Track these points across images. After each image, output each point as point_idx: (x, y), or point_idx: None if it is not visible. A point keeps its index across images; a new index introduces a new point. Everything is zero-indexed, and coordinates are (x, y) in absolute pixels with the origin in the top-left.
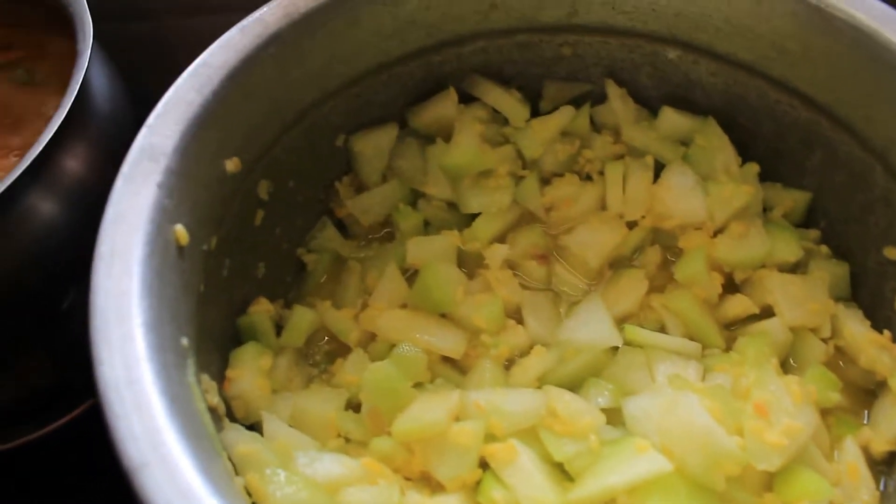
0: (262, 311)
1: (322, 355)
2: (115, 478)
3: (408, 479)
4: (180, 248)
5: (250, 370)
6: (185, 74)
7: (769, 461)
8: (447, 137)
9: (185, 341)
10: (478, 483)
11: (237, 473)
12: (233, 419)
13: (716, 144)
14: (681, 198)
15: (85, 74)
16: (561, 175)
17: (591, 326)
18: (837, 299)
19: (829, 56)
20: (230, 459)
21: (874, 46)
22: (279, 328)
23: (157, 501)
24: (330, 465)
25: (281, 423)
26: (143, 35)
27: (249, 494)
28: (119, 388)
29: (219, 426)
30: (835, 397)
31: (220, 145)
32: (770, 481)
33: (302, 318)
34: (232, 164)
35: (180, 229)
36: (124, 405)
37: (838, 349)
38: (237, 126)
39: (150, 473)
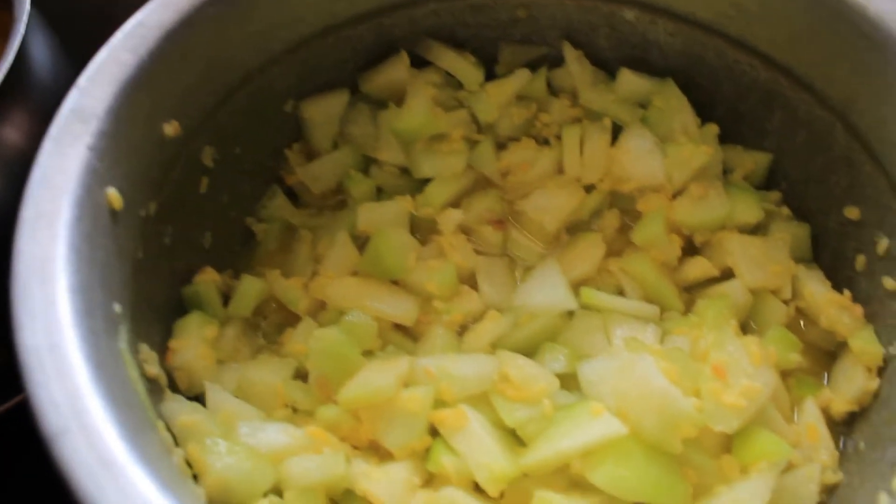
0: (208, 280)
1: (271, 326)
2: None
3: (355, 447)
4: (113, 213)
5: (194, 340)
6: (118, 34)
7: (727, 423)
8: (399, 102)
9: (117, 308)
10: (427, 451)
11: (177, 445)
12: (176, 392)
13: (674, 106)
14: (639, 160)
15: (23, 44)
16: (517, 139)
17: (547, 290)
18: (798, 261)
19: (788, 13)
20: (170, 431)
21: (833, 3)
22: (227, 299)
23: (76, 470)
24: (273, 435)
25: (225, 394)
26: (90, 4)
27: (191, 467)
28: (40, 353)
29: (159, 397)
30: (795, 358)
31: (157, 108)
32: (728, 443)
33: (250, 287)
34: (171, 128)
35: (113, 193)
36: (45, 371)
37: (799, 310)
38: (175, 89)
39: (69, 441)
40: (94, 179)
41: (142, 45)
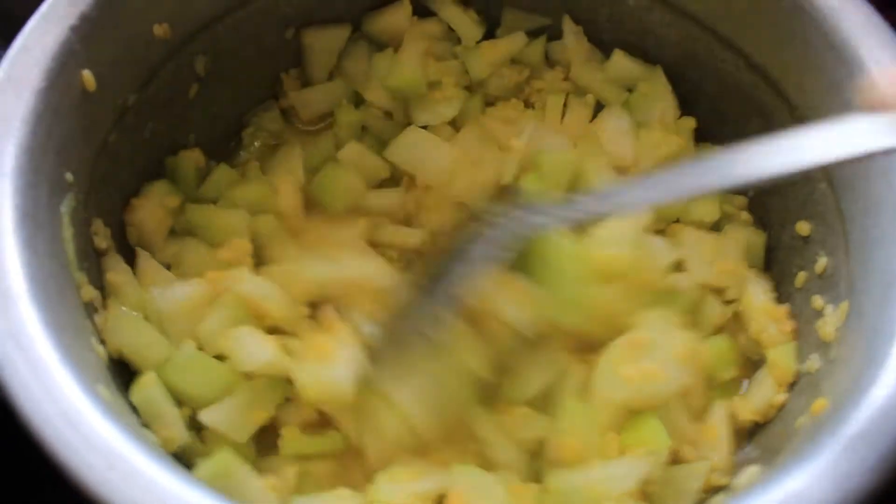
0: (191, 156)
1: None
2: None
3: None
4: (85, 92)
5: (155, 203)
6: None
7: (612, 391)
8: (397, 47)
9: (69, 176)
10: None
11: (105, 298)
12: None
13: (658, 92)
14: (612, 139)
15: None
16: (507, 100)
17: None
18: (751, 267)
19: (769, 16)
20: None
21: (809, 13)
22: None
23: None
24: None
25: (153, 262)
26: None
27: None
28: None
29: (93, 260)
30: (730, 373)
31: (149, 6)
32: (623, 422)
33: (224, 174)
34: (161, 30)
35: (87, 74)
36: None
37: (735, 315)
38: None
39: None
40: (71, 57)
41: None
